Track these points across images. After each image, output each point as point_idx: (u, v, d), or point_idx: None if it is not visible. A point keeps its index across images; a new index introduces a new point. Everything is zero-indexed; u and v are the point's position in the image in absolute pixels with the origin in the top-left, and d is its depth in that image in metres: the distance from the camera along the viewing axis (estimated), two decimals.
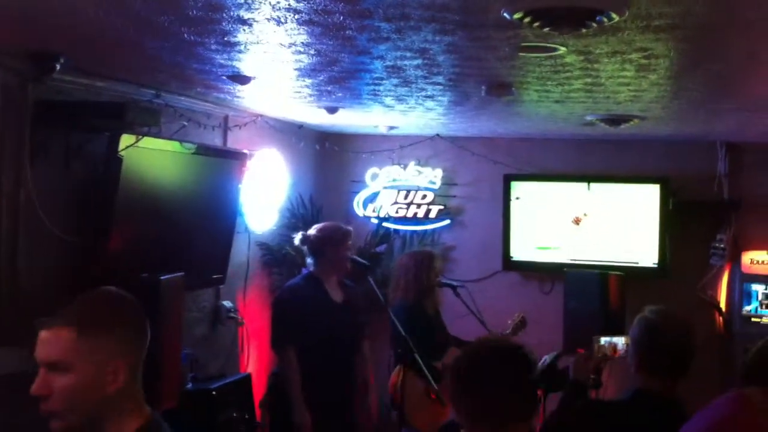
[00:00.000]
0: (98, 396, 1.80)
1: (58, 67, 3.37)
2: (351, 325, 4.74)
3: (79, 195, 3.83)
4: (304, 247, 4.74)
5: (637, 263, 6.16)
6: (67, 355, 1.78)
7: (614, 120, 4.75)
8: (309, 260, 4.75)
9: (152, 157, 4.06)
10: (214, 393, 4.51)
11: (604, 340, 3.41)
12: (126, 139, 3.73)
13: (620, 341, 3.37)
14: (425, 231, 6.69)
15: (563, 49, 2.88)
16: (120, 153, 3.70)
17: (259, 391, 5.14)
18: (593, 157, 6.45)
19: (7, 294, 3.46)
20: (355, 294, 4.90)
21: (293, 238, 4.91)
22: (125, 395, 1.83)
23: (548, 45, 2.82)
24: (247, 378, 5.02)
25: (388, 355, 5.07)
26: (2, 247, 3.44)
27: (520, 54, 2.99)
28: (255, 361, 5.64)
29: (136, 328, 1.90)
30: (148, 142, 3.89)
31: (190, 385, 4.51)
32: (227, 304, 5.33)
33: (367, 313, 5.02)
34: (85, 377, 1.78)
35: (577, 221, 6.31)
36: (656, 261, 6.13)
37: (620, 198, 6.28)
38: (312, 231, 4.73)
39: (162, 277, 3.71)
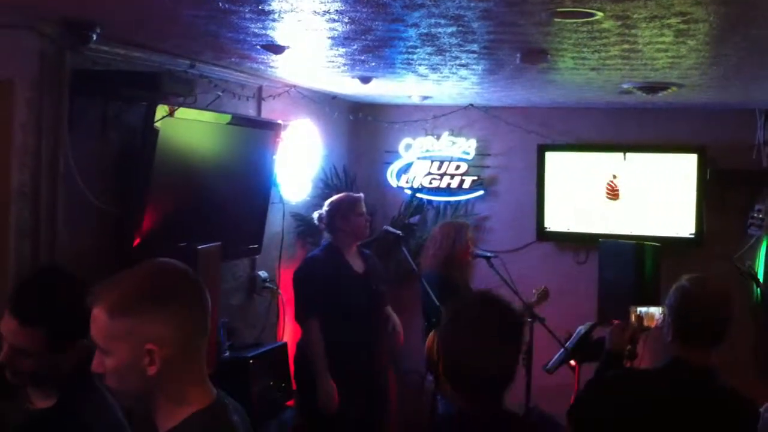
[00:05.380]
0: (140, 378, 1.73)
1: (94, 36, 3.40)
2: (372, 294, 4.80)
3: (116, 164, 3.87)
4: (321, 225, 4.89)
5: (674, 234, 6.10)
6: (103, 338, 1.73)
7: (651, 88, 4.68)
8: (326, 234, 4.90)
9: (187, 128, 4.08)
10: (251, 361, 4.58)
11: (640, 310, 3.38)
12: (162, 110, 3.76)
13: (657, 311, 3.35)
14: (459, 202, 6.67)
15: (600, 14, 2.84)
16: (156, 124, 3.73)
17: None
18: (629, 127, 6.36)
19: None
20: (374, 263, 4.99)
21: None
22: (169, 378, 1.74)
23: (585, 10, 2.78)
24: (283, 347, 5.07)
25: (421, 324, 5.09)
26: (42, 214, 3.48)
27: (556, 20, 2.95)
28: (290, 330, 5.68)
29: (178, 307, 1.76)
30: (184, 113, 3.92)
31: (227, 354, 4.57)
32: (263, 274, 5.38)
33: (387, 282, 5.10)
34: (121, 360, 1.72)
35: (612, 188, 6.25)
36: (693, 231, 6.06)
37: (656, 168, 6.20)
38: (323, 207, 4.88)
39: (199, 247, 3.74)
